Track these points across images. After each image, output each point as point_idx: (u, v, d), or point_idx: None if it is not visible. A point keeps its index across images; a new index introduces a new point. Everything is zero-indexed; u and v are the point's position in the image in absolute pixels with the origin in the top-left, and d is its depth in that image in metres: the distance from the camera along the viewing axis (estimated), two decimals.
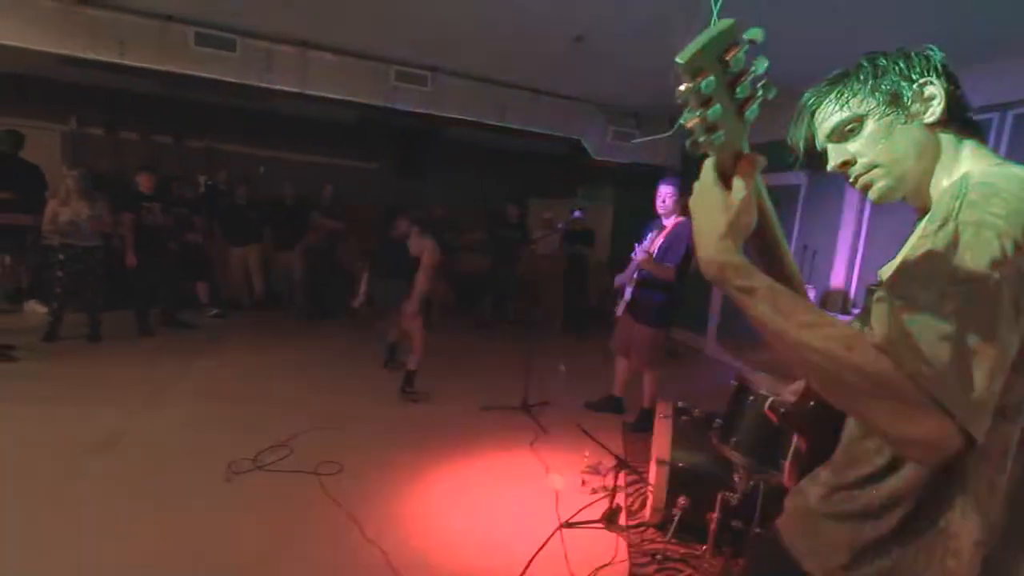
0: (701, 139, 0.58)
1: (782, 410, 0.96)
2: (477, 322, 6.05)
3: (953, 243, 0.58)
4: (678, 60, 0.54)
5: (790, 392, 1.00)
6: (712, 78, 0.54)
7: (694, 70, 0.54)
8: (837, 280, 4.49)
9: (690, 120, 0.58)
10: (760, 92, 0.57)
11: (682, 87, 0.55)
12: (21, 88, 5.61)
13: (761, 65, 0.55)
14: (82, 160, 5.61)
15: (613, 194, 7.85)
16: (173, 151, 6.38)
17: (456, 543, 2.20)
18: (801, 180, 4.80)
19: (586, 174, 7.92)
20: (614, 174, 7.29)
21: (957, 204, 0.61)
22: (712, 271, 0.65)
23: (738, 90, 0.56)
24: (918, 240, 0.63)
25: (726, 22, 0.53)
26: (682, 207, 3.35)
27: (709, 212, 0.65)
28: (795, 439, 0.96)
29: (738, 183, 0.64)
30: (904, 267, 0.62)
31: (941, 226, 0.61)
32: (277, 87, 4.47)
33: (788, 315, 0.61)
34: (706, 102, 0.56)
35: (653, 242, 3.37)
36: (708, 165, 0.65)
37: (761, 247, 0.82)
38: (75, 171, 4.30)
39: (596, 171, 7.56)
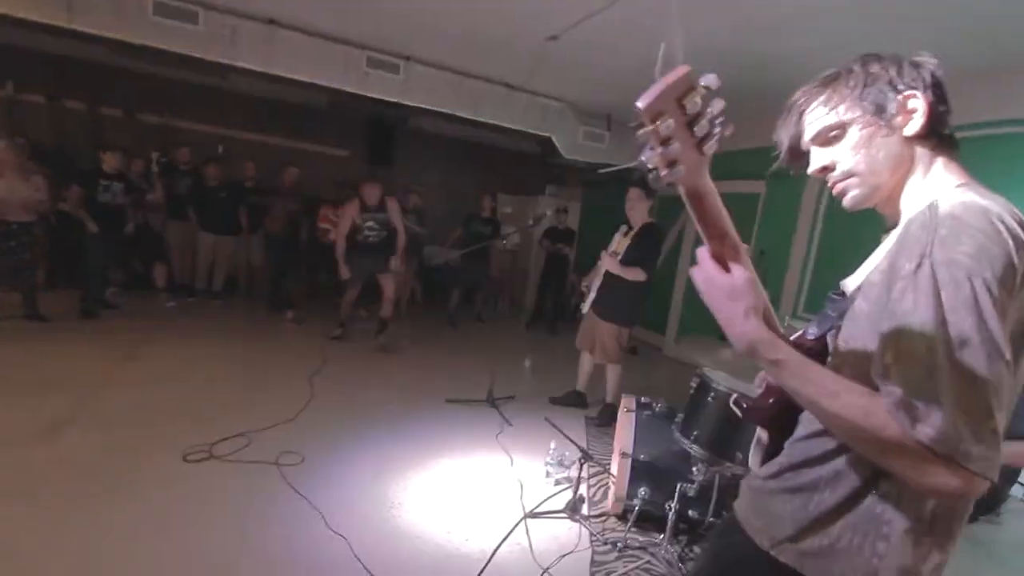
0: (663, 173, 0.63)
1: (745, 405, 1.03)
2: (448, 318, 6.02)
3: (931, 285, 0.62)
4: (638, 105, 0.59)
5: (756, 386, 1.07)
6: (671, 121, 0.59)
7: (653, 114, 0.59)
8: (791, 283, 4.74)
9: (651, 158, 0.63)
10: (717, 130, 0.62)
11: (642, 130, 0.61)
12: None
13: (717, 106, 0.61)
14: (19, 129, 5.22)
15: (581, 193, 7.97)
16: (123, 125, 6.02)
17: (421, 533, 2.20)
18: (760, 189, 5.02)
19: (555, 173, 8.01)
20: (582, 173, 7.40)
21: (929, 240, 0.64)
22: (743, 347, 0.73)
23: (696, 129, 0.61)
24: (898, 280, 0.66)
25: (683, 69, 0.58)
26: (649, 210, 3.46)
27: (723, 299, 0.73)
28: (757, 431, 1.03)
29: (737, 268, 0.72)
30: (892, 317, 0.65)
31: (918, 266, 0.64)
32: (241, 64, 4.29)
33: (814, 383, 0.69)
34: (665, 141, 0.61)
35: (619, 243, 3.46)
36: (703, 256, 0.74)
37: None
38: (7, 141, 3.98)
39: (565, 170, 7.66)
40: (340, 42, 4.50)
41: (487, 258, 6.18)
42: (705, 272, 0.74)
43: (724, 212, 0.71)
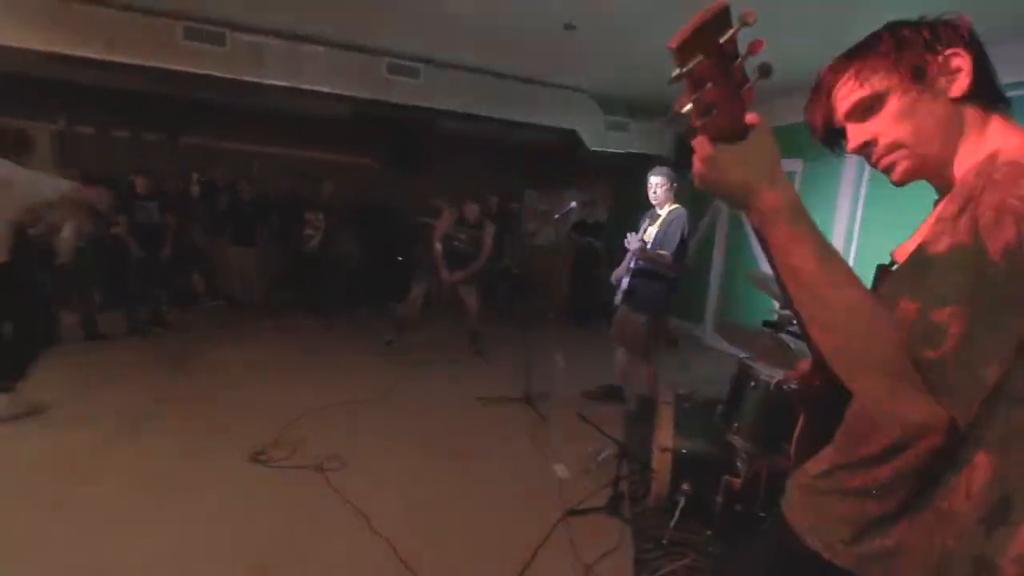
0: (698, 122, 0.58)
1: (788, 388, 0.97)
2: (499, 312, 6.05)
3: (971, 229, 0.57)
4: (671, 45, 0.54)
5: (794, 373, 1.01)
6: (705, 61, 0.54)
7: (686, 54, 0.54)
8: None
9: (683, 103, 0.58)
10: (756, 74, 0.56)
11: (676, 71, 0.55)
12: (8, 87, 5.54)
13: (756, 47, 0.55)
14: (72, 161, 5.56)
15: (609, 185, 7.85)
16: (166, 149, 6.33)
17: (462, 533, 2.21)
18: (796, 167, 4.81)
19: (582, 165, 7.91)
20: (610, 165, 7.28)
21: (980, 184, 0.59)
22: (766, 213, 0.61)
23: (732, 72, 0.55)
24: (937, 224, 0.61)
25: (718, 4, 0.53)
26: (674, 195, 3.36)
27: (735, 167, 0.60)
28: (801, 418, 0.97)
29: (755, 127, 0.60)
30: (921, 254, 0.62)
31: (961, 209, 0.59)
32: (268, 81, 4.44)
33: (828, 268, 0.60)
34: (700, 85, 0.55)
35: (646, 231, 3.38)
36: (698, 142, 0.62)
37: None
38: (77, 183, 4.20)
39: (592, 162, 7.56)
40: (360, 51, 4.59)
41: (500, 256, 6.16)
42: (703, 152, 0.61)
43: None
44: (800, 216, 0.61)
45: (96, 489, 2.32)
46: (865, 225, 4.33)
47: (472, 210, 4.72)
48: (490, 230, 4.75)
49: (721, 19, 0.53)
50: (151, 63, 4.07)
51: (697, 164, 0.63)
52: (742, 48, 0.56)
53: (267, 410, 3.24)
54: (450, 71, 4.89)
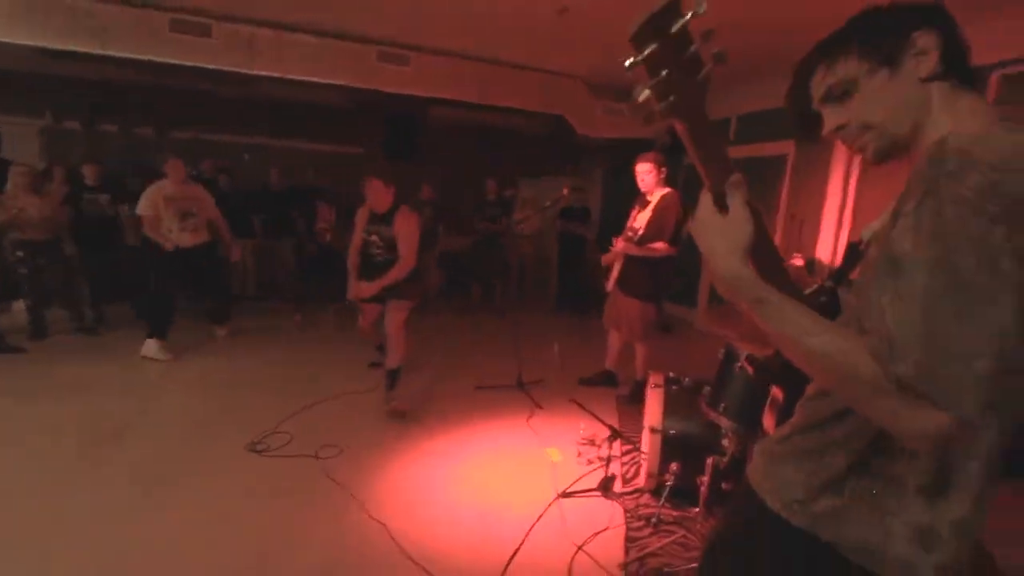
0: (657, 107, 0.61)
1: (756, 363, 1.01)
2: (467, 307, 6.11)
3: (932, 224, 0.58)
4: (629, 39, 0.58)
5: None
6: (659, 48, 0.58)
7: (641, 43, 0.58)
8: (824, 249, 4.55)
9: (642, 93, 0.61)
10: (710, 60, 0.60)
11: (629, 60, 0.60)
12: None
13: (708, 35, 0.59)
14: (60, 155, 5.52)
15: (601, 172, 7.83)
16: (155, 143, 6.28)
17: (457, 516, 2.26)
18: (788, 150, 4.81)
19: (575, 153, 7.88)
20: (602, 152, 7.26)
21: (936, 174, 0.60)
22: (725, 285, 0.72)
23: (687, 57, 0.59)
24: (902, 219, 0.62)
25: None
26: (665, 180, 3.37)
27: (713, 237, 0.73)
28: (772, 390, 1.01)
29: (733, 203, 0.71)
30: (889, 252, 0.62)
31: (920, 203, 0.60)
32: (256, 72, 4.40)
33: (794, 323, 0.67)
34: (656, 72, 0.59)
35: (636, 219, 3.40)
36: (704, 198, 0.74)
37: None
38: (20, 167, 4.16)
39: (585, 150, 7.54)
40: (350, 39, 4.55)
41: (497, 243, 6.19)
42: (700, 212, 0.74)
43: (726, 151, 0.71)
44: (753, 287, 0.70)
45: (93, 478, 2.36)
46: (856, 207, 4.35)
47: (377, 198, 3.15)
48: (406, 223, 3.17)
49: (672, 9, 0.56)
50: (139, 55, 4.03)
51: (696, 220, 0.76)
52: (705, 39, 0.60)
53: (266, 403, 3.27)
54: (439, 58, 4.85)
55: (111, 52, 3.95)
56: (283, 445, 2.74)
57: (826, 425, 0.76)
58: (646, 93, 0.61)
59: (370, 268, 3.30)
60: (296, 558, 1.95)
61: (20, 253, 4.17)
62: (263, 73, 4.42)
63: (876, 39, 0.72)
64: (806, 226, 4.61)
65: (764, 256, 0.75)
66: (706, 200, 0.74)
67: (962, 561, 0.69)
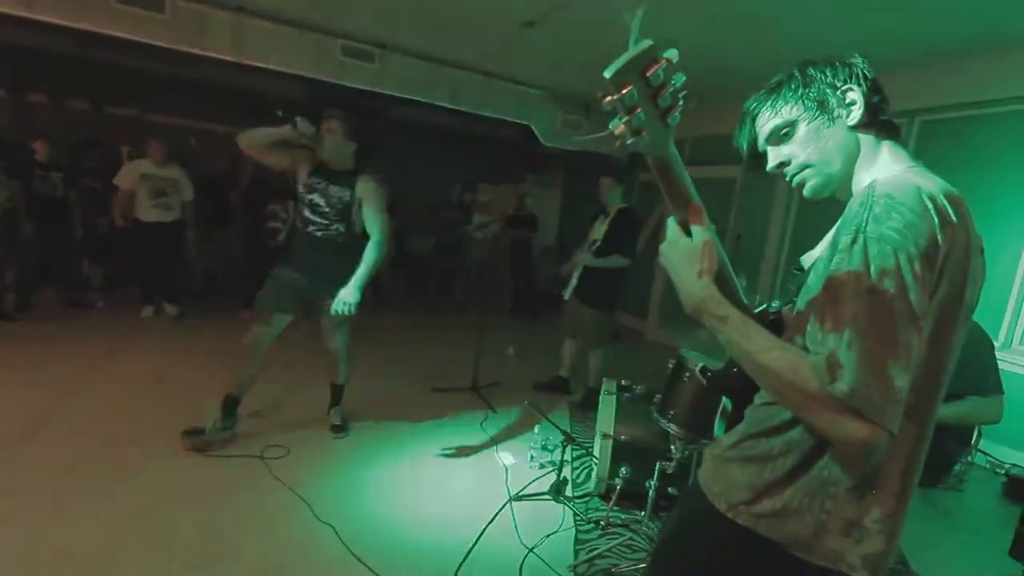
0: (629, 141, 0.68)
1: (709, 374, 1.08)
2: (425, 307, 6.07)
3: (863, 258, 0.68)
4: (605, 75, 0.64)
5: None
6: (634, 90, 0.64)
7: (619, 84, 0.64)
8: (768, 266, 4.85)
9: (618, 126, 0.68)
10: (681, 102, 0.67)
11: (608, 99, 0.66)
12: None
13: (679, 79, 0.66)
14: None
15: (562, 180, 7.98)
16: (91, 118, 5.85)
17: (408, 518, 2.24)
18: (736, 174, 5.10)
19: (535, 160, 8.00)
20: (563, 161, 7.41)
21: (865, 216, 0.70)
22: (693, 304, 0.80)
23: (659, 100, 0.66)
24: (839, 253, 0.71)
25: (645, 43, 0.63)
26: (623, 195, 3.52)
27: (681, 260, 0.81)
28: (722, 401, 1.08)
29: (696, 230, 0.79)
30: (830, 283, 0.71)
31: (853, 240, 0.69)
32: (210, 54, 4.20)
33: (751, 339, 0.76)
34: (631, 110, 0.66)
35: (597, 231, 3.52)
36: (671, 223, 0.82)
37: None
38: None
39: (545, 157, 7.67)
40: (314, 31, 4.43)
41: (458, 246, 6.21)
42: (668, 236, 0.82)
43: (688, 181, 0.78)
44: (720, 305, 0.78)
45: (26, 477, 2.16)
46: (795, 230, 4.66)
47: (339, 143, 2.55)
48: (380, 193, 2.64)
49: (648, 56, 0.63)
50: (76, 24, 3.75)
51: (664, 244, 0.83)
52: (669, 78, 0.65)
53: (199, 399, 3.10)
54: (407, 58, 4.81)
55: (45, 17, 3.65)
56: (225, 443, 2.62)
57: (772, 433, 0.83)
58: (621, 127, 0.67)
59: (303, 249, 2.56)
60: (239, 559, 1.87)
61: None
62: (216, 55, 4.21)
63: (814, 89, 0.84)
64: (751, 246, 4.89)
65: (723, 277, 0.83)
66: (673, 225, 0.82)
67: (886, 553, 0.78)
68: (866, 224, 0.69)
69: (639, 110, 0.65)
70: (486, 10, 3.66)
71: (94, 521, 1.98)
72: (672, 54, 0.64)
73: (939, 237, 0.68)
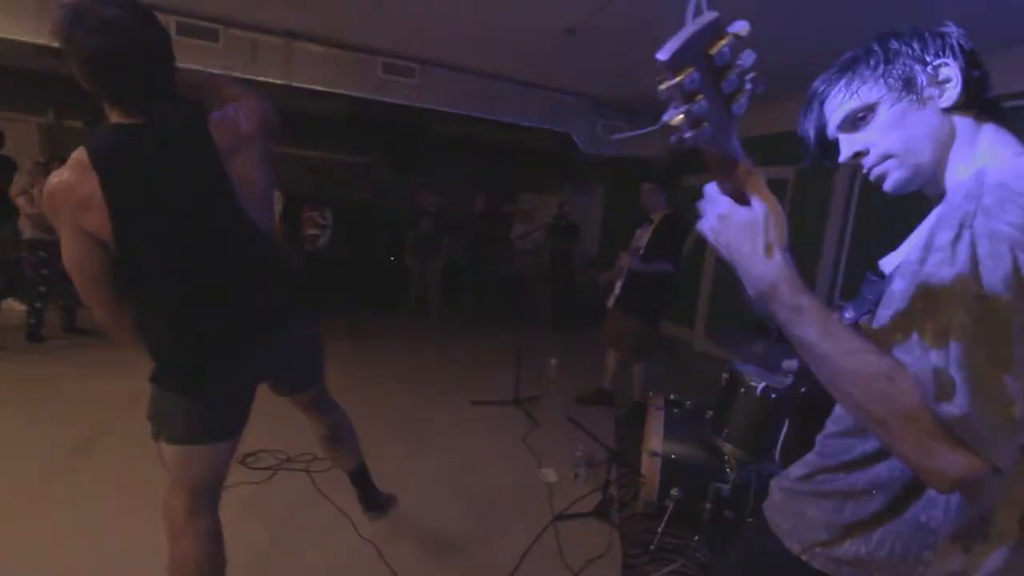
0: (687, 135, 0.56)
1: (774, 395, 0.97)
2: (464, 318, 6.10)
3: (970, 259, 0.56)
4: (660, 56, 0.52)
5: (784, 372, 1.01)
6: (696, 73, 0.53)
7: (677, 66, 0.52)
8: (824, 274, 4.55)
9: (675, 117, 0.56)
10: (748, 86, 0.55)
11: (664, 84, 0.53)
12: None
13: (748, 59, 0.54)
14: (60, 154, 5.47)
15: (602, 188, 7.86)
16: None
17: (449, 536, 2.20)
18: (789, 175, 4.84)
19: (576, 169, 7.92)
20: (604, 168, 7.30)
21: (972, 209, 0.58)
22: (764, 288, 0.63)
23: (724, 84, 0.55)
24: (936, 253, 0.60)
25: (709, 16, 0.52)
26: (666, 201, 3.39)
27: (741, 236, 0.63)
28: (786, 424, 0.97)
29: (755, 198, 0.62)
30: (925, 286, 0.60)
31: (957, 236, 0.58)
32: (262, 78, 4.40)
33: (834, 337, 0.60)
34: (691, 97, 0.54)
35: (640, 239, 3.40)
36: (712, 192, 0.64)
37: None
38: (33, 165, 4.16)
39: (586, 165, 7.57)
40: (355, 50, 4.57)
41: (436, 257, 6.21)
42: (719, 208, 0.64)
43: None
44: (797, 290, 0.61)
45: (71, 489, 2.27)
46: (856, 233, 4.36)
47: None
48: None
49: (712, 30, 0.52)
50: None
51: (712, 218, 0.64)
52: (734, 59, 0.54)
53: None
54: (446, 72, 4.88)
55: None
56: (274, 457, 2.66)
57: (852, 467, 0.72)
58: (679, 118, 0.56)
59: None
60: (284, 573, 1.88)
61: (43, 254, 4.11)
62: (267, 79, 4.41)
63: (898, 65, 0.70)
64: (808, 249, 4.61)
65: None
66: (721, 196, 0.64)
67: None
68: (974, 218, 0.57)
69: (700, 96, 0.54)
70: (526, 20, 3.65)
71: (152, 531, 2.05)
72: (741, 27, 0.53)
73: None
